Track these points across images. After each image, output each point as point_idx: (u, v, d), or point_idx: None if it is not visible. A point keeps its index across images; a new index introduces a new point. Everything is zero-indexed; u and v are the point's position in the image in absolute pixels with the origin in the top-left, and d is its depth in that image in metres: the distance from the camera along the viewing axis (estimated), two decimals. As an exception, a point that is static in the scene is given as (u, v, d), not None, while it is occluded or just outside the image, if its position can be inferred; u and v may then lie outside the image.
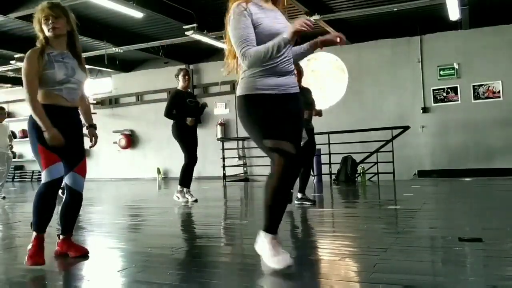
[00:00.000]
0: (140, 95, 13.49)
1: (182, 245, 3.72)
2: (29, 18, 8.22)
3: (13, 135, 9.07)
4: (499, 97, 9.88)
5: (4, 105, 14.75)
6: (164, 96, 12.36)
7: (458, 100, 10.21)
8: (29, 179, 14.54)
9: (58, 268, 3.03)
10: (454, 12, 8.22)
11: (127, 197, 8.19)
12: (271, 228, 2.66)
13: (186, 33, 9.02)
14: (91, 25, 9.14)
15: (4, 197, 8.08)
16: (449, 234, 3.45)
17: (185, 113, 6.09)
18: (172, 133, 6.16)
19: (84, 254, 3.15)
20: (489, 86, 9.97)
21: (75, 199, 3.14)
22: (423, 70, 10.48)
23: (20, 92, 14.77)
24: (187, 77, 6.28)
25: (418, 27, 10.27)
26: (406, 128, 9.27)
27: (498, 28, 9.74)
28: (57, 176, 2.96)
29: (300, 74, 5.40)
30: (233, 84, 12.22)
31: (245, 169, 12.10)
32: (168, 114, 6.12)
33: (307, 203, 5.44)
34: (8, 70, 12.23)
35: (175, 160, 6.21)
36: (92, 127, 3.34)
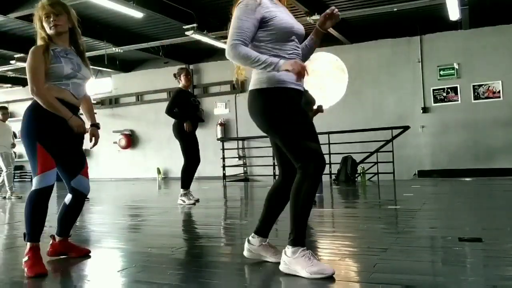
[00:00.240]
0: (140, 95, 13.49)
1: (182, 245, 3.72)
2: (29, 18, 8.25)
3: (14, 135, 9.08)
4: (499, 97, 9.88)
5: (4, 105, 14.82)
6: (164, 96, 12.37)
7: (458, 100, 10.22)
8: (29, 179, 14.55)
9: (58, 268, 3.03)
10: (454, 12, 8.22)
11: (127, 197, 8.18)
12: (303, 240, 2.49)
13: (186, 33, 9.02)
14: (91, 25, 9.13)
15: (4, 197, 8.11)
16: (449, 234, 3.45)
17: (188, 112, 6.07)
18: (173, 132, 6.14)
19: (85, 255, 3.16)
20: (489, 86, 9.97)
21: (78, 201, 3.12)
22: (423, 70, 10.48)
23: (20, 92, 14.78)
24: (188, 76, 6.26)
25: (418, 27, 10.27)
26: (406, 128, 9.28)
27: (498, 28, 9.74)
28: (51, 183, 2.83)
29: None
30: (233, 84, 12.23)
31: (245, 169, 12.10)
32: (170, 111, 6.06)
33: None
34: (8, 70, 12.24)
35: (175, 160, 6.22)
36: (94, 126, 3.20)
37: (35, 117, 2.83)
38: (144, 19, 8.85)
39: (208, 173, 11.70)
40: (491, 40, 9.80)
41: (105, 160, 13.35)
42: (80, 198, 3.11)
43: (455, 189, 7.45)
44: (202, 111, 6.62)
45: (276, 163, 2.65)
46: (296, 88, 2.58)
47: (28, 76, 2.84)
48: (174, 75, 6.33)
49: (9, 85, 14.55)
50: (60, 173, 3.04)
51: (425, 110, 10.45)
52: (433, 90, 10.41)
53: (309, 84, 6.45)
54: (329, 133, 9.19)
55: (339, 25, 9.71)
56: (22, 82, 14.37)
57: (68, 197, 3.11)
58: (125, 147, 13.47)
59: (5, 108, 8.46)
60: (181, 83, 6.24)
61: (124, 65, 13.06)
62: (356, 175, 9.43)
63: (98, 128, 3.25)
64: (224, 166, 10.75)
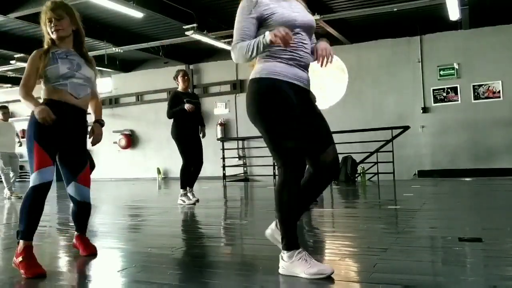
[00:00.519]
0: (140, 95, 13.49)
1: (182, 245, 3.72)
2: (29, 18, 8.28)
3: (17, 135, 9.08)
4: (499, 97, 9.88)
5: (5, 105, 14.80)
6: (164, 96, 12.36)
7: (458, 100, 10.22)
8: (29, 179, 14.54)
9: (58, 268, 3.03)
10: (454, 12, 8.22)
11: (127, 197, 8.18)
12: (295, 242, 2.47)
13: (186, 33, 9.02)
14: (91, 25, 9.13)
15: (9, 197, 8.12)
16: (449, 234, 3.45)
17: (183, 114, 6.06)
18: (171, 133, 6.16)
19: (91, 254, 3.17)
20: (489, 86, 9.97)
21: (82, 209, 3.16)
22: (423, 70, 10.48)
23: (20, 92, 14.79)
24: (186, 77, 6.25)
25: (418, 27, 10.27)
26: (406, 128, 9.27)
27: (498, 28, 9.74)
28: (48, 180, 2.83)
29: None
30: (233, 84, 12.24)
31: (245, 169, 12.10)
32: (168, 116, 6.12)
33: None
34: (8, 70, 12.24)
35: (175, 160, 6.22)
36: (97, 122, 3.17)
37: (34, 117, 2.84)
38: (144, 19, 8.85)
39: (208, 173, 11.68)
40: (491, 40, 9.80)
41: (105, 160, 13.34)
42: (80, 205, 3.12)
43: (455, 189, 7.44)
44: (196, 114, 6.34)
45: (276, 164, 2.61)
46: (290, 81, 2.45)
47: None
48: (174, 78, 6.35)
49: (9, 85, 14.55)
50: (63, 175, 3.08)
51: (425, 110, 10.45)
52: (433, 90, 10.41)
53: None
54: (329, 133, 9.17)
55: (339, 25, 9.73)
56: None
57: (73, 206, 3.17)
58: (125, 147, 13.47)
59: (6, 108, 8.44)
60: (179, 85, 6.26)
61: (124, 65, 13.06)
62: (356, 175, 9.43)
63: (101, 124, 3.20)
64: (224, 166, 10.75)
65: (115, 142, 13.43)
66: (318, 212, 5.08)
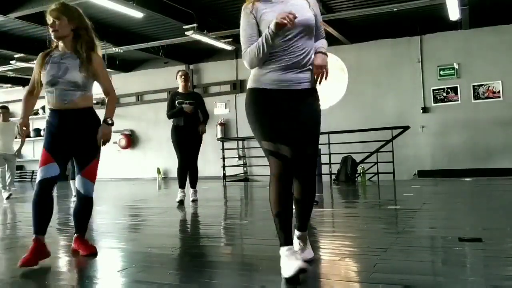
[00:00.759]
0: (140, 95, 13.49)
1: (182, 245, 3.72)
2: (29, 18, 8.28)
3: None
4: (499, 97, 9.88)
5: (5, 105, 14.78)
6: (164, 96, 12.36)
7: (458, 100, 10.21)
8: (29, 179, 14.55)
9: (58, 268, 3.03)
10: (454, 12, 8.21)
11: (127, 197, 8.19)
12: (281, 239, 2.54)
13: (186, 33, 9.02)
14: (91, 25, 9.12)
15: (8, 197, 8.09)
16: (449, 234, 3.45)
17: (178, 115, 6.10)
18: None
19: (91, 254, 3.16)
20: (489, 86, 9.97)
21: (82, 202, 3.19)
22: (423, 70, 10.48)
23: (20, 92, 14.76)
24: (183, 77, 6.29)
25: (418, 27, 10.27)
26: (406, 128, 9.27)
27: (498, 28, 9.74)
28: (49, 175, 2.96)
29: None
30: (233, 84, 12.24)
31: (245, 169, 12.10)
32: (167, 116, 6.19)
33: None
34: (8, 70, 12.23)
35: (175, 160, 6.23)
36: (104, 122, 3.16)
37: (46, 123, 3.13)
38: (144, 19, 8.85)
39: (208, 173, 11.70)
40: (491, 40, 9.79)
41: (105, 160, 13.23)
42: (83, 200, 3.17)
43: (455, 189, 7.45)
44: (184, 107, 6.20)
45: None
46: (272, 88, 2.58)
47: None
48: (176, 78, 6.44)
49: (9, 85, 14.55)
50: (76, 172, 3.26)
51: (425, 110, 10.45)
52: (433, 90, 10.41)
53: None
54: (329, 133, 9.18)
55: (339, 25, 9.72)
56: (22, 82, 14.35)
57: (76, 199, 3.27)
58: (125, 147, 13.47)
59: (5, 108, 8.40)
60: (179, 85, 6.33)
61: (124, 65, 13.06)
62: (356, 175, 9.43)
63: (108, 124, 3.17)
64: (224, 166, 10.74)
65: (115, 142, 13.41)
66: (318, 212, 5.08)
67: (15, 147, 8.35)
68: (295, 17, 2.42)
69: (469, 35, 9.95)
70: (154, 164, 12.90)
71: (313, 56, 2.66)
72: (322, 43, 2.76)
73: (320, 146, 8.79)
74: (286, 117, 2.60)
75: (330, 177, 9.43)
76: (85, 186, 3.14)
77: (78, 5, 3.36)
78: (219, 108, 12.50)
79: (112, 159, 13.51)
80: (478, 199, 6.03)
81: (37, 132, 13.97)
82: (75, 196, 3.45)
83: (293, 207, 2.73)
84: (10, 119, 8.68)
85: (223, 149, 10.77)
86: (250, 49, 2.58)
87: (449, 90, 10.29)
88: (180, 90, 6.29)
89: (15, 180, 12.37)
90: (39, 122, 13.83)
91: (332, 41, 10.37)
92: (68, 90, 3.03)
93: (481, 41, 9.88)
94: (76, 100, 3.07)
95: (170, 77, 6.75)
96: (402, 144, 9.70)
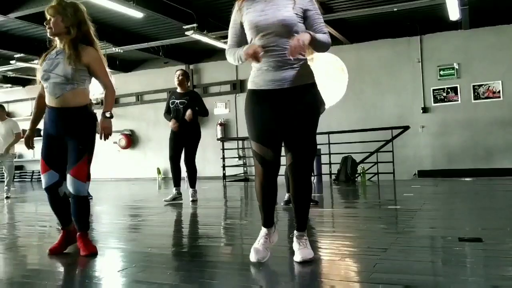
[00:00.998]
0: (140, 95, 13.49)
1: (182, 245, 3.72)
2: (29, 18, 8.27)
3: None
4: (499, 97, 9.88)
5: (4, 105, 14.78)
6: (164, 96, 12.36)
7: (458, 100, 10.22)
8: (29, 179, 14.55)
9: (58, 268, 3.03)
10: (454, 12, 8.22)
11: (127, 197, 8.18)
12: (263, 221, 2.84)
13: (186, 33, 9.02)
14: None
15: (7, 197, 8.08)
16: (449, 234, 3.45)
17: (172, 117, 6.22)
18: None
19: (91, 254, 3.14)
20: (489, 86, 9.97)
21: (74, 202, 3.18)
22: (423, 70, 10.48)
23: (20, 92, 14.78)
24: (179, 77, 6.31)
25: (418, 27, 10.27)
26: (406, 128, 9.27)
27: (498, 28, 9.74)
28: (49, 183, 3.17)
29: None
30: (233, 84, 12.24)
31: (245, 169, 12.10)
32: (164, 115, 6.36)
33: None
34: (8, 70, 12.23)
35: (175, 160, 6.27)
36: (103, 116, 3.18)
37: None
38: (144, 19, 8.85)
39: (208, 173, 11.71)
40: (491, 40, 9.80)
41: (105, 160, 13.33)
42: (73, 199, 3.17)
43: (455, 189, 7.44)
44: (181, 112, 6.23)
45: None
46: (262, 89, 2.67)
47: None
48: None
49: (9, 85, 14.55)
50: None
51: (425, 110, 10.45)
52: (433, 90, 10.41)
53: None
54: (329, 133, 9.18)
55: (339, 25, 9.72)
56: (22, 82, 14.37)
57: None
58: (125, 147, 13.47)
59: (1, 107, 8.32)
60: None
61: (124, 65, 13.06)
62: (356, 175, 9.43)
63: (107, 117, 3.18)
64: (224, 166, 10.74)
65: (115, 142, 13.42)
66: (318, 212, 5.08)
67: (14, 147, 8.29)
68: (258, 53, 2.52)
69: (469, 35, 9.95)
70: (154, 164, 12.90)
71: (298, 55, 2.64)
72: (318, 35, 2.66)
73: (320, 146, 8.81)
74: (277, 118, 2.66)
75: (330, 177, 9.43)
76: (73, 185, 3.11)
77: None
78: (219, 108, 12.50)
79: (112, 159, 13.52)
80: (478, 199, 6.03)
81: (37, 132, 13.92)
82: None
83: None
84: (11, 118, 8.64)
85: (223, 149, 10.77)
86: (230, 53, 2.76)
87: (449, 90, 10.29)
88: (178, 90, 6.35)
89: (15, 180, 12.36)
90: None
91: (332, 41, 10.37)
92: (59, 83, 3.07)
93: (481, 41, 9.88)
94: (67, 95, 3.07)
95: (170, 77, 6.76)
96: (402, 144, 9.70)
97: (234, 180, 11.22)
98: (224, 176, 10.75)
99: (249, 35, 2.72)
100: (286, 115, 2.66)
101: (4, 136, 8.05)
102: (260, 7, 2.66)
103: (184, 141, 6.25)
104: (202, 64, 12.75)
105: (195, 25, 8.86)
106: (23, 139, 3.60)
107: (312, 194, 6.49)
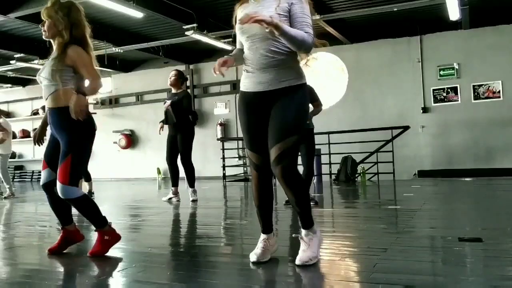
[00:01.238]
0: (140, 95, 13.49)
1: (182, 245, 3.72)
2: (29, 18, 8.27)
3: (13, 135, 8.95)
4: (499, 97, 9.88)
5: (4, 105, 14.80)
6: (164, 96, 12.31)
7: (458, 100, 10.21)
8: (29, 179, 14.55)
9: (58, 268, 3.03)
10: (454, 12, 8.21)
11: (127, 197, 8.18)
12: (261, 227, 2.86)
13: (186, 33, 9.02)
14: (91, 25, 9.11)
15: (5, 197, 8.07)
16: (449, 234, 3.45)
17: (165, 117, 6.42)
18: None
19: (93, 254, 3.14)
20: (489, 86, 9.97)
21: (72, 205, 3.16)
22: (423, 70, 10.47)
23: (20, 92, 14.79)
24: (172, 77, 6.54)
25: (418, 27, 10.27)
26: (406, 128, 9.27)
27: (498, 28, 9.74)
28: (45, 180, 3.21)
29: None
30: (233, 84, 12.24)
31: (245, 169, 12.09)
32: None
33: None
34: (8, 70, 12.23)
35: (175, 160, 6.29)
36: (75, 93, 2.98)
37: None
38: (144, 19, 8.85)
39: (208, 173, 11.71)
40: (491, 40, 9.79)
41: (105, 160, 13.34)
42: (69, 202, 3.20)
43: (455, 189, 7.44)
44: (171, 114, 6.38)
45: None
46: (248, 91, 2.70)
47: None
48: None
49: (9, 85, 14.55)
50: None
51: (425, 110, 10.44)
52: (433, 90, 10.40)
53: (310, 84, 6.46)
54: (329, 133, 9.19)
55: (339, 25, 9.72)
56: (22, 82, 14.37)
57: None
58: (125, 147, 13.47)
59: None
60: None
61: (124, 65, 13.06)
62: (356, 175, 9.43)
63: (80, 93, 2.98)
64: (224, 166, 10.74)
65: (115, 142, 13.42)
66: (318, 212, 5.08)
67: (12, 147, 8.26)
68: (216, 68, 2.68)
69: (469, 35, 9.95)
70: (154, 164, 12.90)
71: (282, 57, 2.61)
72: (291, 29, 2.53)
73: (320, 146, 8.75)
74: (263, 121, 2.68)
75: (330, 177, 9.43)
76: (60, 191, 3.01)
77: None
78: (219, 108, 12.50)
79: (112, 159, 13.53)
80: (478, 199, 6.03)
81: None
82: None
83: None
84: (6, 119, 8.61)
85: (223, 149, 10.77)
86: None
87: (449, 90, 10.28)
88: (172, 90, 6.58)
89: (15, 180, 12.34)
90: (39, 122, 13.81)
91: (332, 41, 10.39)
92: (47, 85, 3.09)
93: (481, 41, 9.88)
94: (53, 96, 3.06)
95: (170, 77, 6.79)
96: (402, 144, 9.70)
97: (234, 180, 11.22)
98: (224, 176, 10.75)
99: (239, 38, 2.79)
100: (270, 118, 2.66)
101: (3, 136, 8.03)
102: (248, 9, 2.64)
103: (177, 142, 6.32)
104: (202, 64, 12.74)
105: (195, 25, 8.86)
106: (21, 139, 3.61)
107: (312, 194, 6.51)
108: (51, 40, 3.18)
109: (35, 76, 3.36)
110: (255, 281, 2.57)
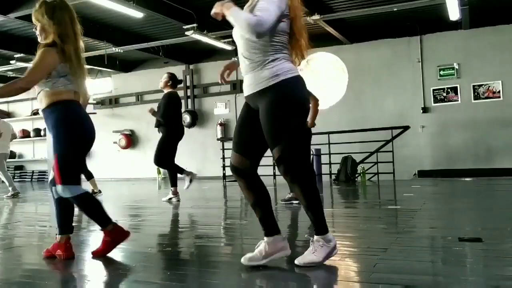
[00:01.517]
0: (140, 95, 13.48)
1: (182, 245, 3.72)
2: (29, 18, 8.23)
3: (13, 135, 8.97)
4: (499, 97, 9.88)
5: (4, 105, 14.82)
6: (164, 96, 12.35)
7: (458, 100, 10.21)
8: (29, 179, 14.55)
9: (58, 268, 3.03)
10: (454, 12, 8.21)
11: (127, 197, 8.19)
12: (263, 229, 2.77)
13: (186, 33, 9.02)
14: (91, 25, 9.13)
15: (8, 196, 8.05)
16: (449, 234, 3.45)
17: None
18: None
19: (94, 255, 3.09)
20: (489, 86, 9.97)
21: (74, 204, 3.13)
22: (423, 70, 10.47)
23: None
24: (162, 80, 6.74)
25: (418, 27, 10.26)
26: (406, 128, 9.27)
27: (498, 28, 9.74)
28: (49, 179, 3.20)
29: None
30: (233, 84, 12.24)
31: (245, 169, 12.09)
32: None
33: (295, 202, 5.36)
34: (8, 70, 12.22)
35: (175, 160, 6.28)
36: None
37: None
38: (144, 19, 8.85)
39: (208, 173, 11.71)
40: (491, 40, 9.79)
41: (105, 160, 13.34)
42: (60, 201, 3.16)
43: (455, 189, 7.45)
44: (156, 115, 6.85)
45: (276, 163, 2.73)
46: (246, 95, 2.71)
47: None
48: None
49: (9, 85, 14.52)
50: None
51: (425, 110, 10.44)
52: (433, 90, 10.40)
53: (309, 84, 6.46)
54: (329, 133, 9.19)
55: (339, 25, 9.72)
56: (21, 82, 14.34)
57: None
58: (125, 147, 13.47)
59: None
60: None
61: (124, 65, 13.06)
62: (356, 175, 9.43)
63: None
64: (224, 166, 10.74)
65: (115, 142, 13.42)
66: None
67: (11, 147, 8.25)
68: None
69: (469, 35, 9.95)
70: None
71: (257, 57, 2.57)
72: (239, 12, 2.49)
73: (320, 146, 8.74)
74: (252, 122, 2.67)
75: (330, 177, 9.43)
76: (56, 191, 3.02)
77: (78, 5, 3.36)
78: (219, 108, 12.50)
79: (112, 159, 13.53)
80: (478, 199, 6.03)
81: (37, 132, 13.97)
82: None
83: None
84: (4, 120, 8.60)
85: (223, 149, 10.77)
86: None
87: (449, 90, 10.28)
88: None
89: (15, 180, 12.33)
90: (39, 122, 13.83)
91: (332, 41, 10.39)
92: (38, 88, 3.06)
93: (481, 41, 9.88)
94: (38, 98, 3.07)
95: (170, 77, 6.83)
96: (402, 144, 9.70)
97: (234, 180, 11.19)
98: (224, 176, 10.75)
99: None
100: (257, 120, 2.64)
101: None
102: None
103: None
104: (202, 64, 12.74)
105: (195, 25, 8.86)
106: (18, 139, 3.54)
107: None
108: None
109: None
110: (255, 281, 2.56)
